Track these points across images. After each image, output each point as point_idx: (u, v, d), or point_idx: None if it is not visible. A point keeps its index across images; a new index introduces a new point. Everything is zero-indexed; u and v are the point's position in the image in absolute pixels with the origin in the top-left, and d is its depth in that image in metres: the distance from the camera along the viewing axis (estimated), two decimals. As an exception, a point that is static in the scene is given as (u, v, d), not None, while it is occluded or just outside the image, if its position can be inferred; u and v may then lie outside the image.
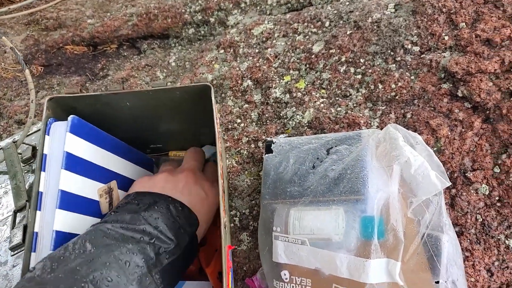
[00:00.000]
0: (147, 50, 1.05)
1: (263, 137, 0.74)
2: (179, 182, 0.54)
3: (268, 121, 0.77)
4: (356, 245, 0.50)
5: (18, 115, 0.94)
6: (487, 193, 0.59)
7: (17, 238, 0.51)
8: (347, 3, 0.89)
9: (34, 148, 0.67)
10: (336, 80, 0.77)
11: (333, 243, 0.51)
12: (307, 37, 0.86)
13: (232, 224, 0.68)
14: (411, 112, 0.68)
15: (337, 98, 0.75)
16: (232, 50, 0.90)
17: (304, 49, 0.83)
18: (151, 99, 0.52)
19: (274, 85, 0.80)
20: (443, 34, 0.73)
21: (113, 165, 0.56)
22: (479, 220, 0.58)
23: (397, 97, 0.71)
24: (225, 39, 0.92)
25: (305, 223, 0.53)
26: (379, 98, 0.72)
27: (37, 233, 0.46)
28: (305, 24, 0.88)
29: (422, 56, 0.73)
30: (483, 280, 0.56)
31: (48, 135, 0.48)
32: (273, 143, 0.63)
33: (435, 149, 0.63)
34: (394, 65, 0.74)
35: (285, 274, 0.54)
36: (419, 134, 0.59)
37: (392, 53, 0.75)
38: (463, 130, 0.64)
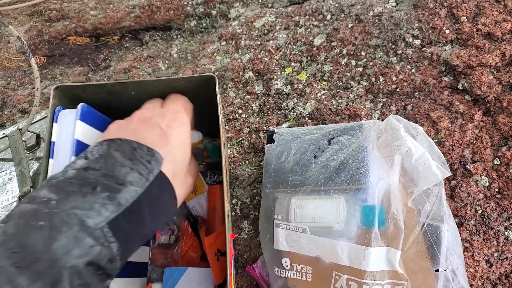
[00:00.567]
0: (149, 42, 1.05)
1: (264, 127, 0.75)
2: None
3: (269, 112, 0.77)
4: (356, 233, 0.50)
5: (22, 104, 0.94)
6: (486, 185, 0.60)
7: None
8: (349, -4, 0.89)
9: (38, 136, 0.68)
10: (337, 72, 0.77)
11: (334, 231, 0.51)
12: (309, 30, 0.86)
13: (233, 213, 0.68)
14: (412, 104, 0.68)
15: (338, 90, 0.76)
16: (234, 42, 0.91)
17: (306, 41, 0.84)
18: (156, 89, 0.52)
19: (275, 77, 0.80)
20: (444, 28, 0.74)
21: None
22: (478, 212, 0.59)
23: (398, 90, 0.71)
24: (227, 31, 0.93)
25: (306, 211, 0.53)
26: (380, 90, 0.72)
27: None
28: (307, 17, 0.88)
29: (423, 49, 0.74)
30: (482, 270, 0.57)
31: (56, 122, 0.48)
32: (275, 133, 0.63)
33: (435, 141, 0.64)
34: (395, 58, 0.75)
35: (286, 262, 0.54)
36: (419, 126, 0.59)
37: (393, 46, 0.76)
38: (463, 122, 0.64)
